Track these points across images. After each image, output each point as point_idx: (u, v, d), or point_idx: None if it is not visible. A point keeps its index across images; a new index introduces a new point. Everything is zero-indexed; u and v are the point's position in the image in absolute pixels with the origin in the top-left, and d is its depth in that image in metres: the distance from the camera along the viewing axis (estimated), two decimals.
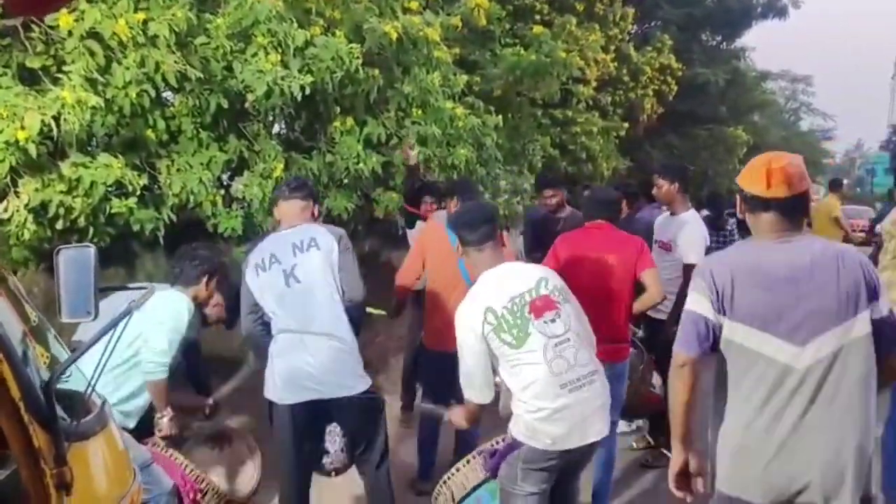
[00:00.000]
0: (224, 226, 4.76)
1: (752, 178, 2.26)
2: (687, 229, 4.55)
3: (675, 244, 4.53)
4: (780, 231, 2.23)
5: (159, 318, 3.21)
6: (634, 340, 4.22)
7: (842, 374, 2.13)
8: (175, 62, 4.14)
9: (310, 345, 3.05)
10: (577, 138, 10.62)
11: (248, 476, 3.72)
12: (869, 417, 2.17)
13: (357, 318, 3.23)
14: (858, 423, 2.15)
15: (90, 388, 1.88)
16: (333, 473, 3.35)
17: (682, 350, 2.26)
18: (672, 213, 4.78)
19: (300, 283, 3.10)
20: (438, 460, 4.10)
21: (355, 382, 3.12)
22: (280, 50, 4.61)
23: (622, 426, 4.51)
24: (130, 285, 2.84)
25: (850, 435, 2.13)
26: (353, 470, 3.40)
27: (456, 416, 3.05)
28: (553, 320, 2.68)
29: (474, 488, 3.01)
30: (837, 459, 2.12)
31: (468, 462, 3.07)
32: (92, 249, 1.83)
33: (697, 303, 2.26)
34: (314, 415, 3.11)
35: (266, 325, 3.26)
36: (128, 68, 4.01)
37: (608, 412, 2.76)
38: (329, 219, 5.43)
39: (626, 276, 3.70)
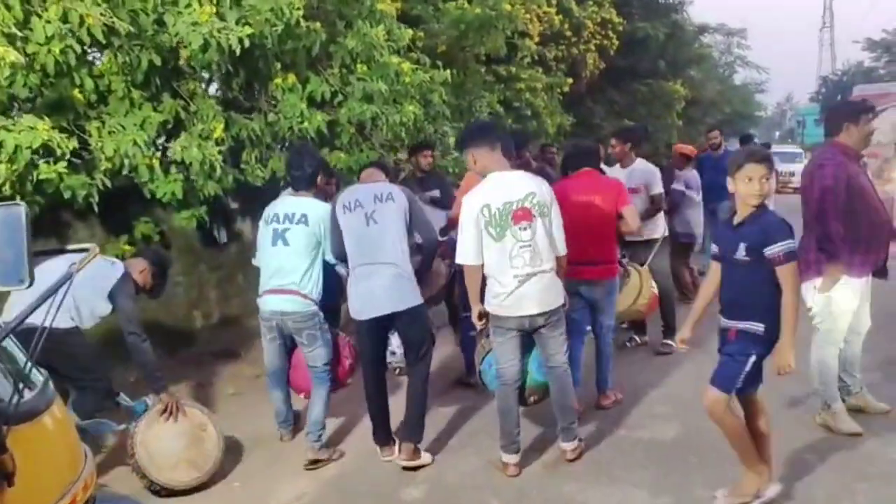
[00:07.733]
0: (162, 191, 4.51)
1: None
2: (648, 173, 6.04)
3: (644, 187, 5.90)
4: None
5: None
6: (621, 262, 5.18)
7: None
8: (101, 15, 3.85)
9: (379, 272, 3.96)
10: (521, 95, 10.49)
11: (213, 436, 3.91)
12: None
13: (431, 252, 4.27)
14: None
15: (29, 363, 1.68)
16: (398, 371, 4.78)
17: None
18: (622, 167, 6.16)
19: (377, 224, 3.99)
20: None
21: (411, 299, 4.03)
22: (215, 1, 4.34)
23: None
24: (69, 247, 2.49)
25: None
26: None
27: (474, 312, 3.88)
28: (525, 228, 3.69)
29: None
30: None
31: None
32: (22, 207, 1.57)
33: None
34: (381, 326, 4.08)
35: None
36: (49, 22, 3.72)
37: (548, 298, 3.78)
38: (274, 180, 5.22)
39: (610, 211, 4.59)
